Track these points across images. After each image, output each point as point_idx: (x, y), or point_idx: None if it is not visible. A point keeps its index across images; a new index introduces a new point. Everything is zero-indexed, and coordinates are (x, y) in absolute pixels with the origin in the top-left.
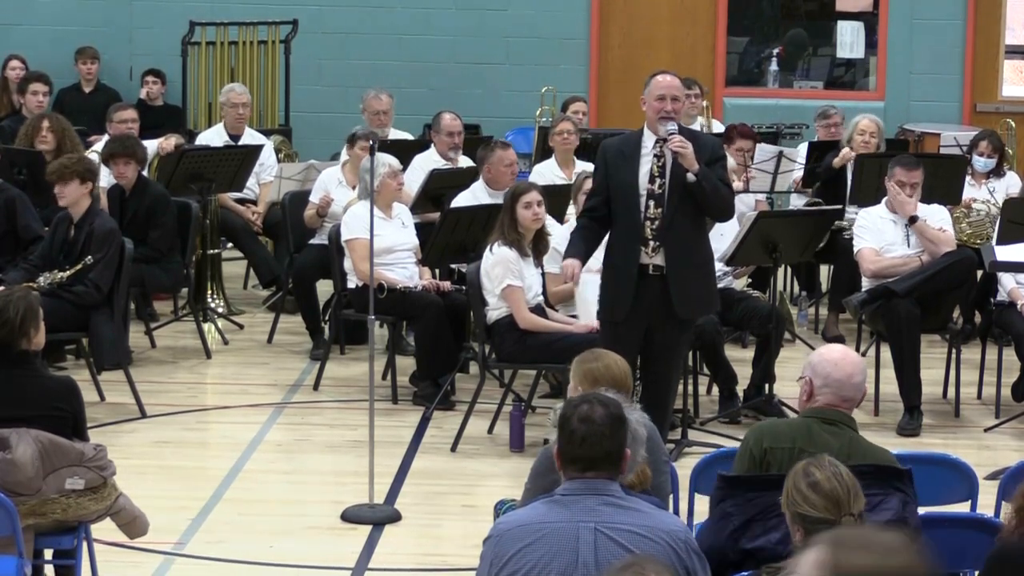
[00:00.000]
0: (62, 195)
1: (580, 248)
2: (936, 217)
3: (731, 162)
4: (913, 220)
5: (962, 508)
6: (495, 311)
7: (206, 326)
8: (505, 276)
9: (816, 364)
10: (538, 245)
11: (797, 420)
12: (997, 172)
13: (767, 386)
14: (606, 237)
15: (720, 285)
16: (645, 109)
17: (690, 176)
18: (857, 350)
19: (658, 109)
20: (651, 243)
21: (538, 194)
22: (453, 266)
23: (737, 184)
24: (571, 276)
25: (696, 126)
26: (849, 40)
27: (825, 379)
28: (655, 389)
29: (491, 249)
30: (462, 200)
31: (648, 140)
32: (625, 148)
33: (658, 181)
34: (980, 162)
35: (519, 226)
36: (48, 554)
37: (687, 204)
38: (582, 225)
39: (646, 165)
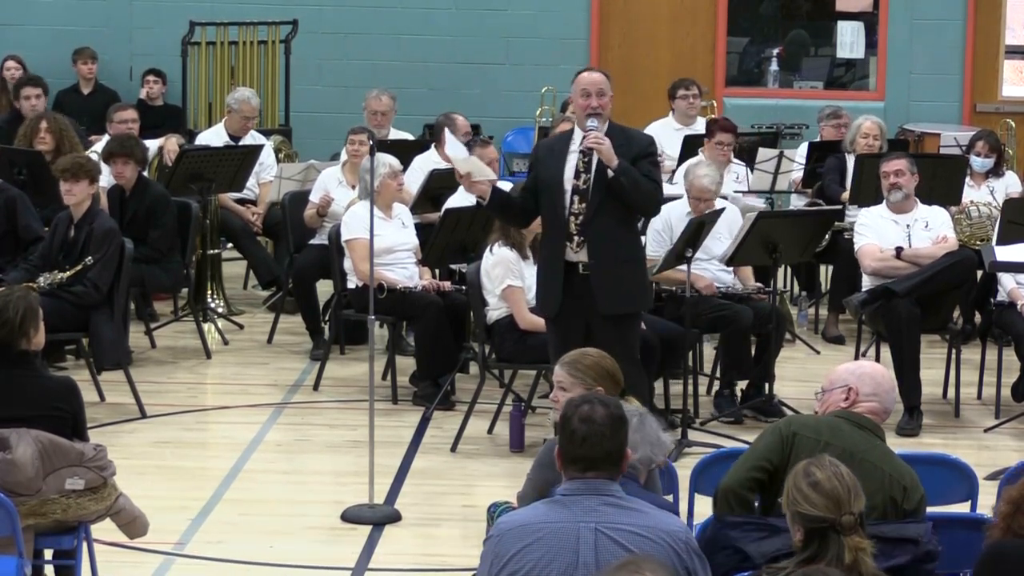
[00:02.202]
0: (71, 192)
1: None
2: (937, 220)
3: (704, 164)
4: (898, 252)
5: (962, 508)
6: (495, 311)
7: (206, 326)
8: (506, 276)
9: (860, 375)
10: (534, 246)
11: (828, 417)
12: (996, 172)
13: (767, 386)
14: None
15: (722, 288)
16: (573, 107)
17: (609, 171)
18: (857, 350)
19: (584, 106)
20: (576, 238)
21: None
22: (453, 266)
23: (733, 181)
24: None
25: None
26: (849, 40)
27: (875, 388)
28: None
29: (491, 249)
30: (455, 200)
31: (577, 136)
32: (556, 145)
33: (583, 177)
34: (977, 162)
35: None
36: (48, 554)
37: (613, 200)
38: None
39: (572, 161)
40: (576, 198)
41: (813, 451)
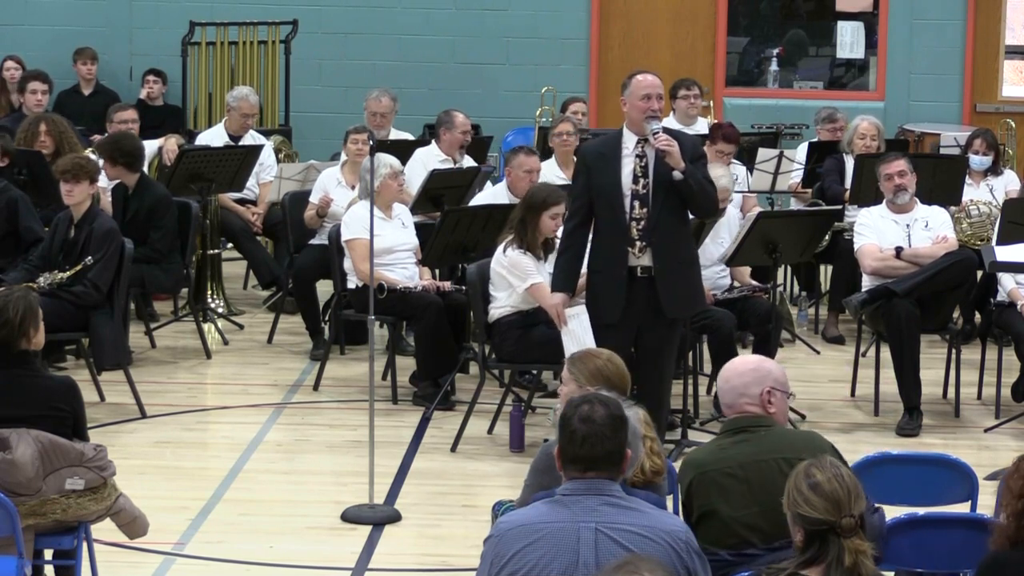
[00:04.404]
0: (71, 193)
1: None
2: (937, 220)
3: (715, 167)
4: (898, 252)
5: (962, 508)
6: (499, 309)
7: (206, 326)
8: (528, 276)
9: (719, 382)
10: (545, 245)
11: (709, 443)
12: (994, 170)
13: None
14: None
15: (719, 290)
16: (627, 110)
17: (676, 174)
18: (857, 350)
19: (644, 109)
20: (638, 243)
21: (564, 204)
22: (458, 265)
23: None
24: (558, 317)
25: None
26: (849, 40)
27: (723, 397)
28: (648, 389)
29: (504, 251)
30: (481, 199)
31: (629, 140)
32: (605, 150)
33: (642, 181)
34: (976, 160)
35: (539, 232)
36: (48, 554)
37: (672, 203)
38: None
39: (629, 165)
40: (636, 203)
41: (704, 483)
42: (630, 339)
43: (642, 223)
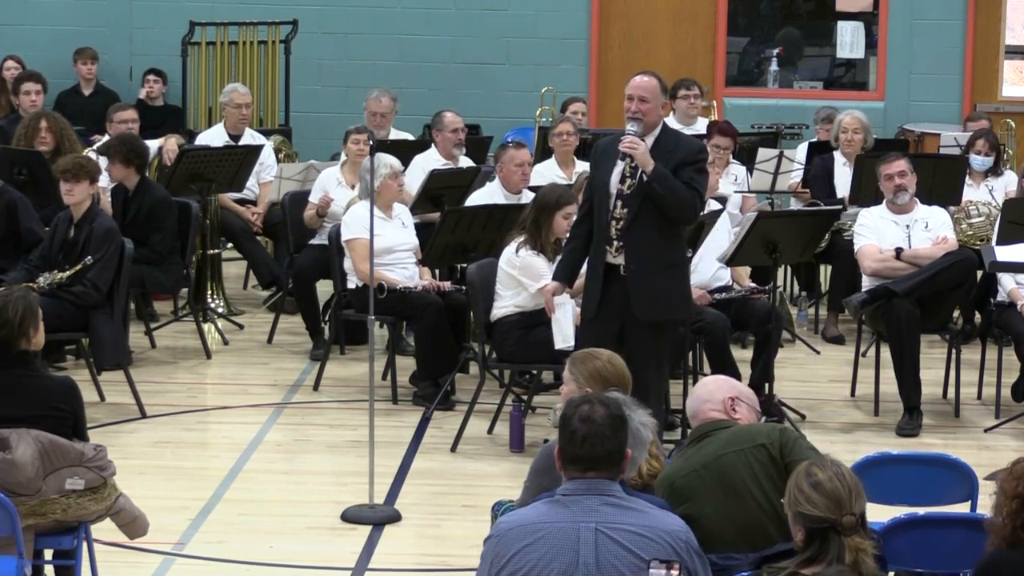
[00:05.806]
0: (72, 193)
1: (566, 272)
2: (937, 220)
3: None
4: (898, 253)
5: (962, 508)
6: (501, 309)
7: (206, 326)
8: (541, 277)
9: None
10: (556, 246)
11: (677, 458)
12: (995, 171)
13: (767, 386)
14: None
15: (719, 284)
16: None
17: (645, 176)
18: (857, 350)
19: (625, 109)
20: (615, 242)
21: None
22: (458, 265)
23: (731, 183)
24: (548, 301)
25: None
26: (849, 40)
27: (689, 410)
28: (634, 389)
29: (516, 251)
30: (477, 199)
31: None
32: (610, 148)
33: (628, 181)
34: (977, 160)
35: (552, 232)
36: (48, 554)
37: (650, 206)
38: (571, 238)
39: (621, 166)
40: (619, 203)
41: (672, 491)
42: (610, 335)
43: (620, 223)
